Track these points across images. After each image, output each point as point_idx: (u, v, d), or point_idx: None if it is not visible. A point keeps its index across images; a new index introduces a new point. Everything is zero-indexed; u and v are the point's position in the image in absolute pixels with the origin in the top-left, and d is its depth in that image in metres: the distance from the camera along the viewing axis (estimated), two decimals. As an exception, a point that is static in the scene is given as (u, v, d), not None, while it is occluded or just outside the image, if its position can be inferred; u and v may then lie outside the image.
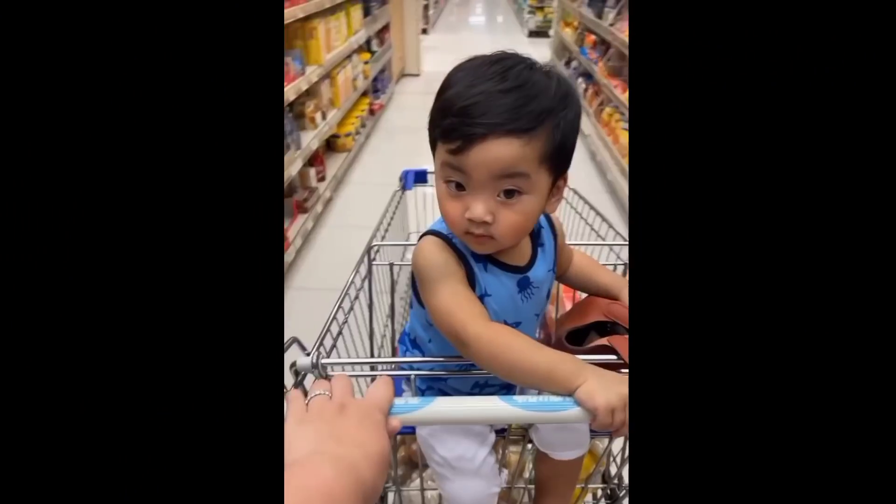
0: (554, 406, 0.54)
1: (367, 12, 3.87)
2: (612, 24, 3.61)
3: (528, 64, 0.59)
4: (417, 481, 0.90)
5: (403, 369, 0.70)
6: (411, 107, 5.00)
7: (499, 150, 0.56)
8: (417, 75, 5.94)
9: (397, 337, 1.11)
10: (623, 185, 3.00)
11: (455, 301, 0.62)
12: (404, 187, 1.29)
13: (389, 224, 1.13)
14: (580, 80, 4.55)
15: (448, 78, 0.61)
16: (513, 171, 0.57)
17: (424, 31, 8.04)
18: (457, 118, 0.56)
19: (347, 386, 0.53)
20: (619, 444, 0.93)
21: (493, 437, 0.77)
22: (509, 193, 0.58)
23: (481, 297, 0.66)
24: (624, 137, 3.25)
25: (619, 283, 0.81)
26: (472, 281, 0.65)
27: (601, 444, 0.97)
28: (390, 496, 0.95)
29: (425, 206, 1.38)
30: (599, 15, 4.16)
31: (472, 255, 0.66)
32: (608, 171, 3.28)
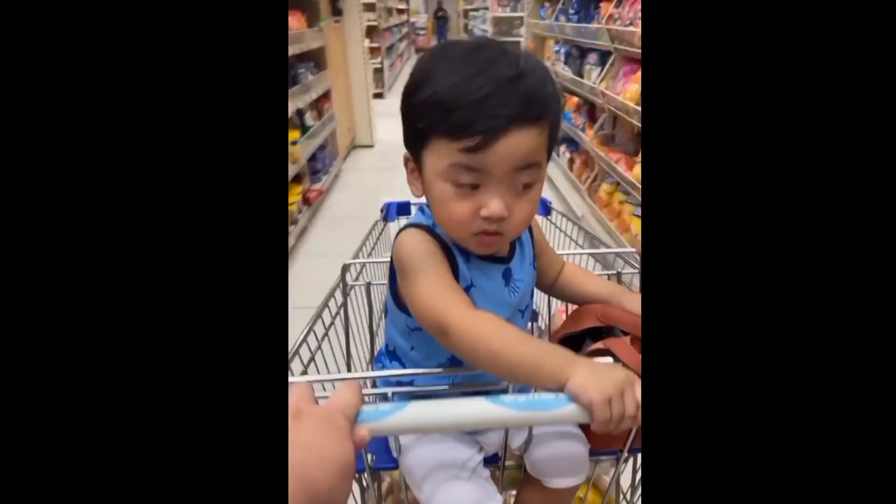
0: (546, 404, 0.48)
1: (294, 81, 3.08)
2: (599, 83, 2.91)
3: (513, 50, 0.56)
4: None
5: (380, 386, 0.65)
6: (364, 186, 4.17)
7: (520, 142, 0.54)
8: (371, 146, 5.18)
9: None
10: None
11: (438, 289, 0.57)
12: (386, 219, 1.18)
13: (369, 255, 1.06)
14: (562, 146, 3.84)
15: (426, 69, 0.56)
16: (531, 162, 0.56)
17: (379, 96, 7.42)
18: (471, 111, 0.52)
19: (304, 392, 0.44)
20: (626, 477, 0.77)
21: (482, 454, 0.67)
22: (524, 185, 0.57)
23: (467, 290, 0.61)
24: (636, 225, 2.46)
25: (616, 290, 0.74)
26: (455, 273, 0.61)
27: (607, 476, 0.83)
28: None
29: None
30: (580, 73, 3.49)
31: (456, 246, 0.62)
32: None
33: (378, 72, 7.36)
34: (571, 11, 3.37)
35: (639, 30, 2.38)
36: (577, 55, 3.62)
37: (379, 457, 0.64)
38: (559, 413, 0.47)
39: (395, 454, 0.66)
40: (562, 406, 0.47)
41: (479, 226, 0.56)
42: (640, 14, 2.51)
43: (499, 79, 0.52)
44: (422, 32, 14.25)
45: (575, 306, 0.78)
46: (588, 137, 3.03)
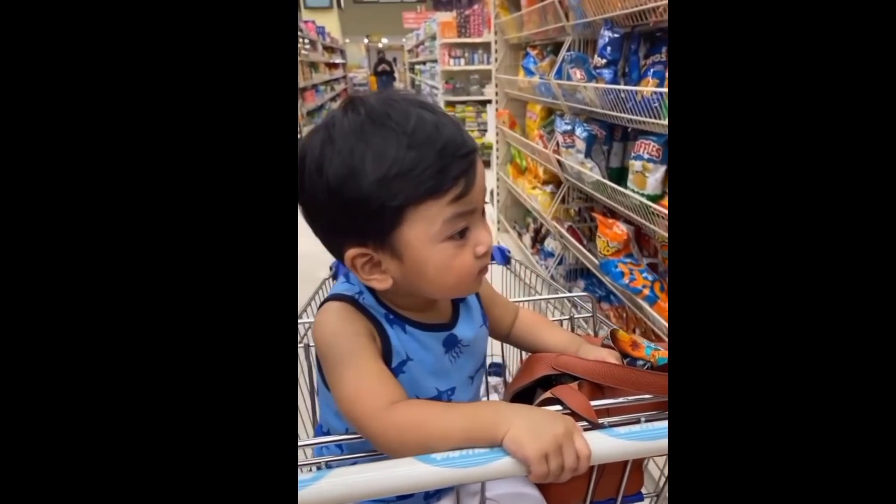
0: (480, 459, 0.47)
1: None
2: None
3: (404, 97, 0.56)
4: None
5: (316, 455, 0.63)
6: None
7: (480, 167, 0.56)
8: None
9: None
10: None
11: (360, 386, 0.55)
12: (336, 276, 1.05)
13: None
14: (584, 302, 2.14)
15: (350, 153, 0.52)
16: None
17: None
18: (441, 161, 0.51)
19: None
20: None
21: None
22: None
23: (401, 365, 0.60)
24: None
25: (574, 341, 0.72)
26: (388, 349, 0.59)
27: None
28: None
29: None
30: (619, 176, 1.84)
31: (387, 319, 0.60)
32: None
33: (296, 143, 5.64)
34: (601, 61, 1.75)
35: None
36: (604, 138, 1.98)
37: None
38: (495, 468, 0.47)
39: None
40: (496, 459, 0.47)
41: (482, 264, 0.56)
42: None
43: (436, 126, 0.52)
44: (363, 90, 12.78)
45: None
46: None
